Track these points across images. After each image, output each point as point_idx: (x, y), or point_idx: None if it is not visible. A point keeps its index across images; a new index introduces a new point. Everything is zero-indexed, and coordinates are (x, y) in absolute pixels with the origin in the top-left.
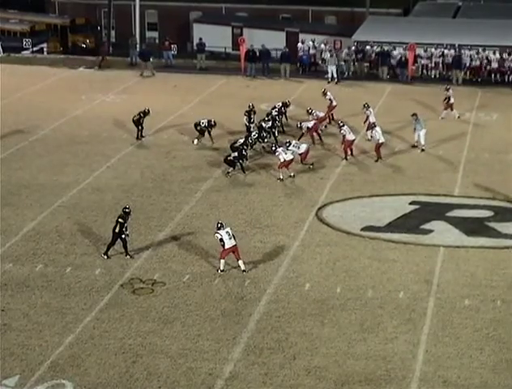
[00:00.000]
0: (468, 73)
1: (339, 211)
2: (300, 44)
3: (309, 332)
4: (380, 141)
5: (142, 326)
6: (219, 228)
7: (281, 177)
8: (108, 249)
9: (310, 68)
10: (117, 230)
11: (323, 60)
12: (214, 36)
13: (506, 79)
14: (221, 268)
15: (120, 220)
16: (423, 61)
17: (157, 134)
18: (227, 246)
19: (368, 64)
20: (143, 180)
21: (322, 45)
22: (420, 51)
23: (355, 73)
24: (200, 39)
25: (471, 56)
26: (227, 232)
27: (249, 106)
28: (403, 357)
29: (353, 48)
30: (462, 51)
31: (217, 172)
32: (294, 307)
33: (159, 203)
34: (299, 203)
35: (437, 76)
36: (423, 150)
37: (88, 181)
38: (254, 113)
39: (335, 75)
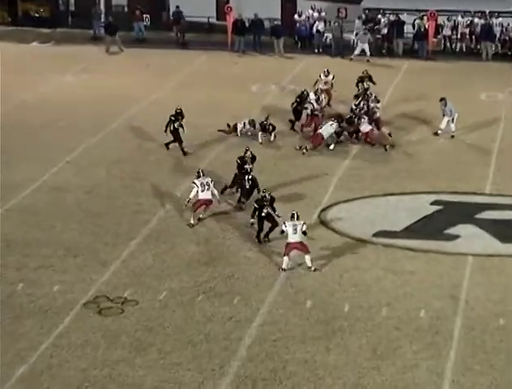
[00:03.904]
0: (500, 46)
1: (346, 213)
2: (296, 17)
3: (311, 360)
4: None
5: (110, 354)
6: (291, 218)
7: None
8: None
9: (311, 42)
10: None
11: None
12: (194, 4)
13: None
14: (283, 267)
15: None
16: (446, 33)
17: (127, 124)
18: (289, 240)
19: (380, 36)
20: (110, 178)
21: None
22: (442, 20)
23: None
24: (177, 7)
25: (503, 25)
26: (294, 225)
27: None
28: None
29: (363, 17)
30: (494, 20)
31: (201, 167)
32: (293, 329)
33: (129, 206)
34: (297, 204)
35: (464, 50)
36: (452, 136)
37: (44, 180)
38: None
39: (368, 52)
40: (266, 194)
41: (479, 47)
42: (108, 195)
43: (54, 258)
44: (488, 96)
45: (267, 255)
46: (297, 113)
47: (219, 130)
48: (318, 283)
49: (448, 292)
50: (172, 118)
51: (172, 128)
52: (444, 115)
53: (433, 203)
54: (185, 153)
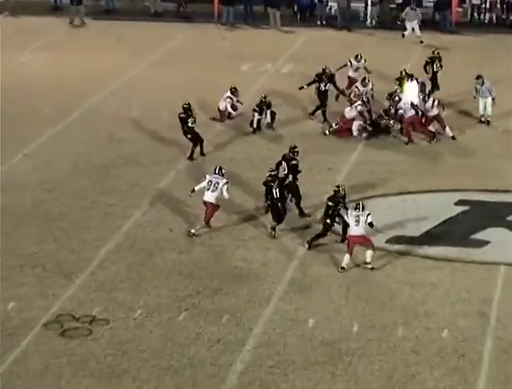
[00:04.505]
0: None
1: (354, 215)
2: None
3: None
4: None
5: (77, 382)
6: (355, 209)
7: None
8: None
9: (312, 12)
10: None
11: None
12: None
13: None
14: (342, 265)
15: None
16: (473, 1)
17: (96, 109)
18: (349, 233)
19: (394, 6)
20: (76, 174)
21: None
22: None
23: (377, 17)
24: None
25: None
26: (356, 216)
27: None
28: None
29: None
30: None
31: (181, 162)
32: (293, 353)
33: (99, 207)
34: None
35: (494, 21)
36: (488, 122)
37: None
38: None
39: (418, 33)
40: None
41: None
42: (74, 194)
43: (8, 269)
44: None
45: (262, 264)
46: (323, 96)
47: (212, 119)
48: (322, 298)
49: (476, 309)
50: (183, 116)
51: (186, 128)
52: (480, 97)
53: (457, 203)
54: (203, 154)
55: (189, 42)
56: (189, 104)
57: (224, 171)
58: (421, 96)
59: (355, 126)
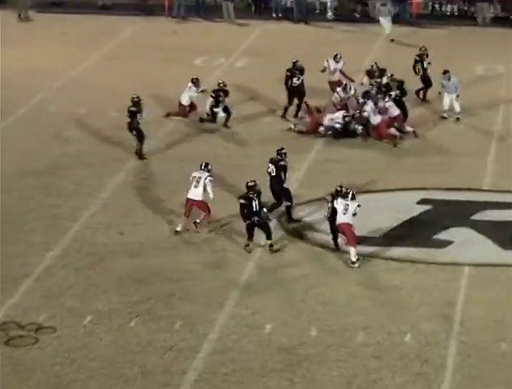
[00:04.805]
0: (500, 7)
1: (313, 215)
2: None
3: None
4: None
5: None
6: (338, 196)
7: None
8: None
9: (267, 5)
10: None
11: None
12: None
13: None
14: (352, 259)
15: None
16: None
17: (41, 107)
18: (337, 222)
19: None
20: (21, 174)
21: None
22: None
23: (334, 9)
24: None
25: None
26: (346, 204)
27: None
28: None
29: None
30: None
31: (130, 161)
32: (249, 360)
33: (44, 209)
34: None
35: (456, 13)
36: (458, 119)
37: None
38: None
39: (387, 30)
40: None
41: (473, 9)
42: (19, 196)
43: None
44: (486, 69)
45: (217, 268)
46: (297, 91)
47: (166, 115)
48: (279, 302)
49: (440, 312)
50: (133, 109)
51: (134, 124)
52: (445, 92)
53: (419, 202)
54: (141, 157)
55: (138, 36)
56: (138, 97)
57: (209, 167)
58: (371, 103)
59: (323, 126)
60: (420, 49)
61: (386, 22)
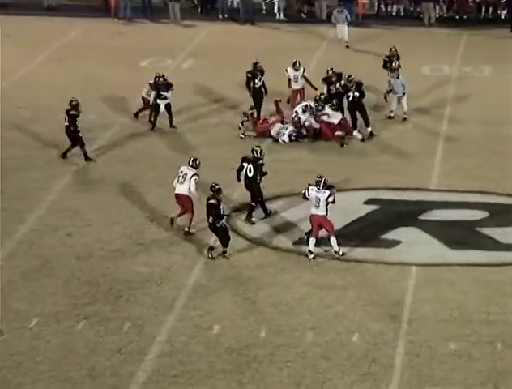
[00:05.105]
0: (446, 8)
1: (260, 216)
2: None
3: None
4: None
5: None
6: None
7: None
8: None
9: (213, 5)
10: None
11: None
12: None
13: (502, 15)
14: (310, 248)
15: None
16: None
17: None
18: (311, 212)
19: None
20: None
21: None
22: None
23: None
24: None
25: None
26: (317, 197)
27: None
28: None
29: None
30: None
31: (76, 163)
32: (198, 361)
33: None
34: (198, 206)
35: (402, 13)
36: (405, 119)
37: None
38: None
39: (346, 37)
40: None
41: (419, 10)
42: None
43: None
44: (432, 69)
45: (165, 269)
46: (258, 94)
47: (136, 114)
48: (228, 303)
49: (387, 312)
50: (73, 113)
51: (72, 127)
52: (393, 92)
53: (366, 202)
54: (66, 156)
55: (84, 37)
56: (76, 100)
57: (197, 162)
58: (309, 112)
59: (275, 129)
60: (391, 50)
61: (342, 29)
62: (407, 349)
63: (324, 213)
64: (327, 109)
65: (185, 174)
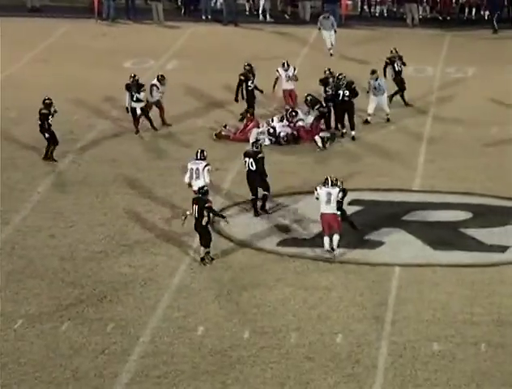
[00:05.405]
0: (429, 8)
1: (244, 216)
2: None
3: None
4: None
5: None
6: (323, 184)
7: None
8: None
9: (196, 6)
10: None
11: None
12: None
13: (485, 16)
14: (326, 248)
15: None
16: None
17: None
18: (321, 211)
19: None
20: None
21: None
22: None
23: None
24: None
25: None
26: (328, 193)
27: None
28: None
29: None
30: None
31: (62, 162)
32: (181, 362)
33: None
34: (183, 207)
35: (385, 14)
36: (388, 120)
37: None
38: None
39: (330, 44)
40: None
41: (402, 10)
42: None
43: None
44: (416, 70)
45: (148, 270)
46: (251, 96)
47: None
48: (212, 304)
49: (371, 313)
50: (44, 111)
51: (46, 126)
52: (372, 93)
53: (350, 203)
54: (50, 158)
55: (68, 39)
56: (50, 99)
57: (205, 153)
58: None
59: (253, 135)
60: (391, 51)
61: (328, 35)
62: (391, 350)
63: (335, 211)
64: (300, 115)
65: (197, 169)
